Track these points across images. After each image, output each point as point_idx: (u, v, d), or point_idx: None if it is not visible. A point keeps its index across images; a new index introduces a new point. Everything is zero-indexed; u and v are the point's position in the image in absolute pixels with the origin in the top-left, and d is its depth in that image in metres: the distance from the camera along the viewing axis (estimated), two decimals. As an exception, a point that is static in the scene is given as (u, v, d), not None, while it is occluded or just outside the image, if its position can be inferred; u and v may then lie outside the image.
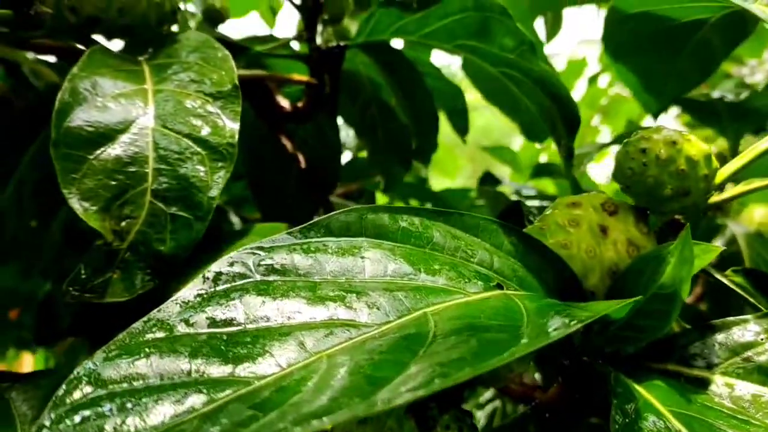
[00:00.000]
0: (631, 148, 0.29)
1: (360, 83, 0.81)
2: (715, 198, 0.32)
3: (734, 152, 0.76)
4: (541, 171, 0.88)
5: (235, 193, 0.79)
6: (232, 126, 0.32)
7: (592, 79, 2.32)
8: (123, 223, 0.29)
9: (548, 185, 1.16)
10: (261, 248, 0.20)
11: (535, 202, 0.41)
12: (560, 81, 0.48)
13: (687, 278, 0.25)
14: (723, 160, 0.82)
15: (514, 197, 0.80)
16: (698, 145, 0.29)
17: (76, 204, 0.28)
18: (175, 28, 0.42)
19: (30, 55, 0.45)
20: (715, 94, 0.60)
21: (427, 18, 0.51)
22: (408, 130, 0.82)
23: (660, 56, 0.51)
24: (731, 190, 0.32)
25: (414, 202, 1.20)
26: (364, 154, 0.96)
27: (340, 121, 0.83)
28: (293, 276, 0.20)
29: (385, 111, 0.83)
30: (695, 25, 0.45)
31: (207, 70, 0.35)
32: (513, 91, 0.54)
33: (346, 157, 1.03)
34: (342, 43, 0.57)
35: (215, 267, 0.19)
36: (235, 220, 0.68)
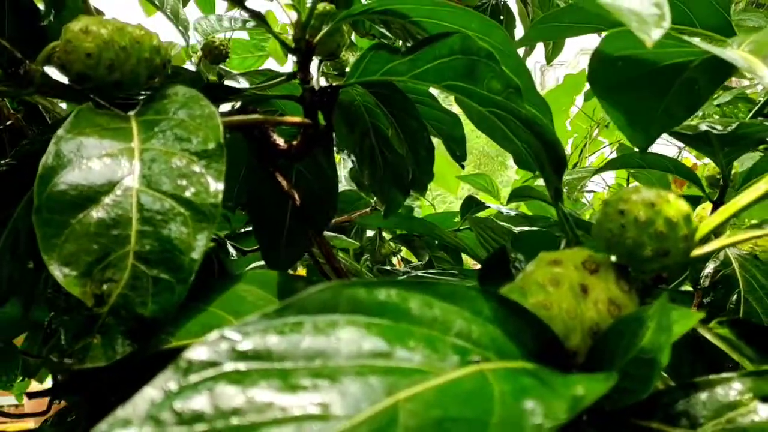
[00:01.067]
0: (609, 209, 0.29)
1: (357, 113, 0.82)
2: (697, 252, 0.32)
3: (726, 176, 0.76)
4: (516, 195, 0.88)
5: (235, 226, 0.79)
6: (216, 186, 0.32)
7: (590, 92, 2.33)
8: (104, 287, 0.29)
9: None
10: (235, 331, 0.20)
11: (519, 257, 0.41)
12: (546, 124, 0.48)
13: (666, 345, 0.25)
14: (717, 182, 0.82)
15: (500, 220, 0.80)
16: (677, 205, 0.29)
17: (56, 271, 0.28)
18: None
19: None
20: (703, 126, 0.60)
21: (417, 61, 0.52)
22: (403, 158, 0.83)
23: (646, 95, 0.51)
24: (713, 244, 0.32)
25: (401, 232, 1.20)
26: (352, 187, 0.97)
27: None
28: (266, 362, 0.20)
29: (383, 140, 0.83)
30: (679, 67, 0.46)
31: (193, 127, 0.35)
32: (503, 127, 0.54)
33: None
34: (334, 84, 0.57)
35: (187, 354, 0.19)
36: (232, 251, 0.69)
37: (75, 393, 0.38)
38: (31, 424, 1.33)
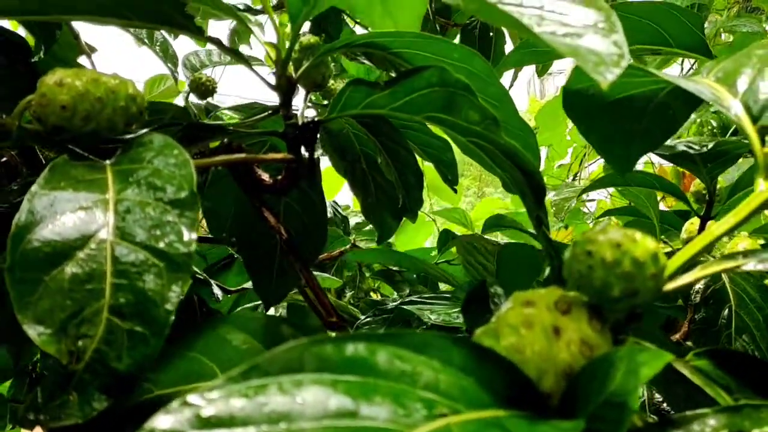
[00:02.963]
0: (577, 249, 0.29)
1: (347, 141, 0.82)
2: (670, 286, 0.32)
3: (711, 192, 0.76)
4: (490, 226, 0.88)
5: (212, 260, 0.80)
6: (189, 235, 0.33)
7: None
8: (80, 343, 0.29)
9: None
10: (200, 397, 0.21)
11: (498, 291, 0.41)
12: (525, 155, 0.49)
13: (634, 389, 0.25)
14: (702, 197, 0.82)
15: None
16: (644, 244, 0.29)
17: (30, 330, 0.28)
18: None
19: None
20: (680, 146, 0.61)
21: (395, 93, 0.53)
22: (394, 184, 0.83)
23: (621, 120, 0.52)
24: (686, 277, 0.32)
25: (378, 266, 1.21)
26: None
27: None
28: (229, 428, 0.20)
29: (373, 166, 0.84)
30: (650, 94, 0.46)
31: (167, 175, 0.35)
32: (484, 157, 0.55)
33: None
34: (317, 119, 0.58)
35: (150, 423, 0.20)
36: (217, 291, 0.69)
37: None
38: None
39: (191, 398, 0.21)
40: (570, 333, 0.29)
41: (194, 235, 0.32)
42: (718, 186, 0.77)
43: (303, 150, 0.60)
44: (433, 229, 1.71)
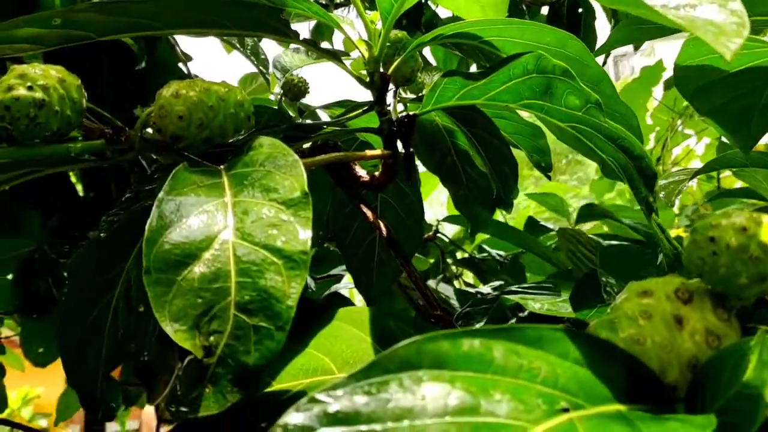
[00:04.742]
0: (698, 236, 0.28)
1: (436, 134, 0.82)
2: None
3: None
4: (585, 215, 0.84)
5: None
6: (304, 233, 0.34)
7: (669, 83, 2.19)
8: (211, 338, 0.31)
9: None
10: (326, 394, 0.22)
11: (610, 281, 0.40)
12: (632, 137, 0.47)
13: (769, 382, 0.24)
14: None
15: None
16: (773, 228, 0.27)
17: (167, 327, 0.31)
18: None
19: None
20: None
21: (491, 83, 0.52)
22: (487, 175, 0.82)
23: (738, 95, 0.49)
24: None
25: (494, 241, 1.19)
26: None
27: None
28: (356, 424, 0.21)
29: (463, 157, 0.83)
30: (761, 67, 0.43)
31: (279, 177, 0.37)
32: (586, 142, 0.53)
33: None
34: (411, 113, 0.58)
35: (283, 419, 0.21)
36: (310, 281, 0.71)
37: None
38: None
39: (319, 395, 0.22)
40: (694, 323, 0.28)
41: (309, 233, 0.34)
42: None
43: (398, 145, 0.61)
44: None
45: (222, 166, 0.40)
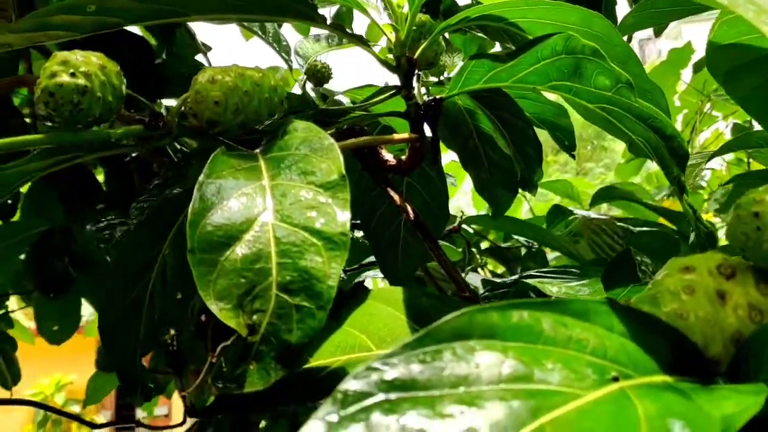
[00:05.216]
0: (742, 212, 0.28)
1: (458, 117, 0.82)
2: None
3: None
4: (601, 197, 0.84)
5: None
6: (343, 215, 0.34)
7: (699, 65, 2.16)
8: (254, 317, 0.32)
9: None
10: (382, 362, 0.22)
11: (645, 260, 0.40)
12: (663, 116, 0.47)
13: (817, 353, 0.24)
14: None
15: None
16: (818, 202, 0.27)
17: (213, 305, 0.31)
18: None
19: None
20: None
21: (518, 65, 0.52)
22: (510, 158, 0.82)
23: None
24: None
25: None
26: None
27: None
28: (413, 391, 0.21)
29: (486, 140, 0.83)
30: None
31: (316, 160, 0.38)
32: (615, 123, 0.53)
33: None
34: (438, 96, 0.58)
35: (343, 386, 0.21)
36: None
37: (223, 412, 0.41)
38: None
39: (375, 364, 0.22)
40: (737, 297, 0.28)
41: (348, 215, 0.34)
42: None
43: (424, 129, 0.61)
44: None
45: (257, 150, 0.41)
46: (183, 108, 0.42)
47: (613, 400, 0.22)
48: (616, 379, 0.23)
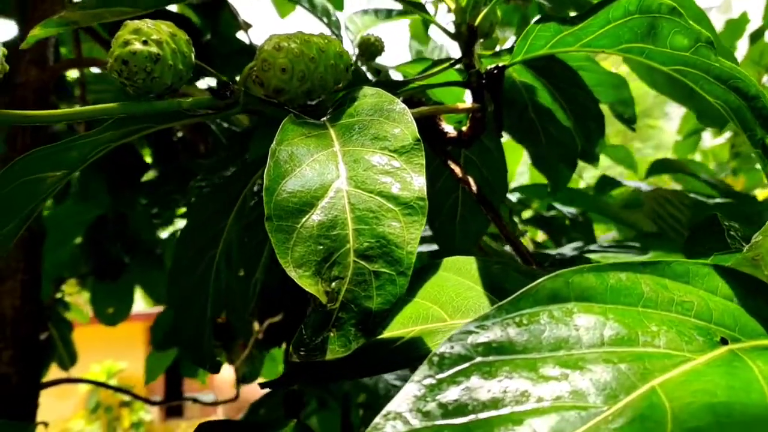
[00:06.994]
0: None
1: (513, 91, 0.80)
2: None
3: None
4: (657, 169, 0.80)
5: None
6: (419, 180, 0.34)
7: (756, 35, 2.07)
8: (333, 284, 0.32)
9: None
10: (477, 326, 0.21)
11: (734, 225, 0.38)
12: (747, 76, 0.44)
13: None
14: None
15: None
16: None
17: (292, 272, 0.31)
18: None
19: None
20: None
21: (588, 27, 0.50)
22: (570, 131, 0.80)
23: None
24: None
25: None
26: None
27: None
28: (511, 354, 0.20)
29: (542, 114, 0.81)
30: None
31: (387, 126, 0.37)
32: (690, 85, 0.50)
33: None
34: (500, 64, 0.57)
35: (440, 349, 0.21)
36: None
37: (298, 381, 0.41)
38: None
39: (470, 326, 0.22)
40: None
41: (423, 180, 0.34)
42: None
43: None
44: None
45: (324, 119, 0.40)
46: (249, 77, 0.42)
47: (726, 362, 0.20)
48: (724, 342, 0.22)
